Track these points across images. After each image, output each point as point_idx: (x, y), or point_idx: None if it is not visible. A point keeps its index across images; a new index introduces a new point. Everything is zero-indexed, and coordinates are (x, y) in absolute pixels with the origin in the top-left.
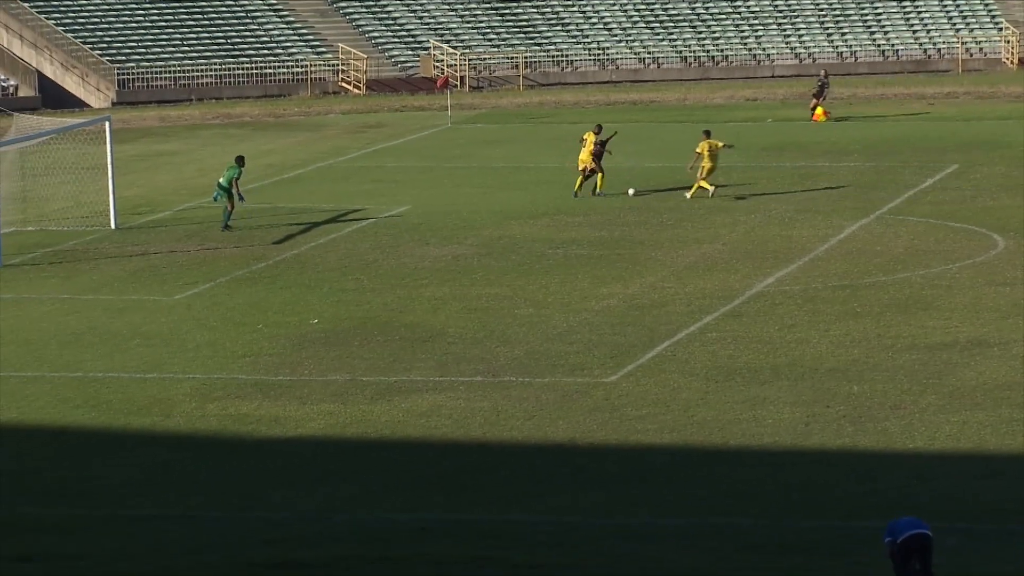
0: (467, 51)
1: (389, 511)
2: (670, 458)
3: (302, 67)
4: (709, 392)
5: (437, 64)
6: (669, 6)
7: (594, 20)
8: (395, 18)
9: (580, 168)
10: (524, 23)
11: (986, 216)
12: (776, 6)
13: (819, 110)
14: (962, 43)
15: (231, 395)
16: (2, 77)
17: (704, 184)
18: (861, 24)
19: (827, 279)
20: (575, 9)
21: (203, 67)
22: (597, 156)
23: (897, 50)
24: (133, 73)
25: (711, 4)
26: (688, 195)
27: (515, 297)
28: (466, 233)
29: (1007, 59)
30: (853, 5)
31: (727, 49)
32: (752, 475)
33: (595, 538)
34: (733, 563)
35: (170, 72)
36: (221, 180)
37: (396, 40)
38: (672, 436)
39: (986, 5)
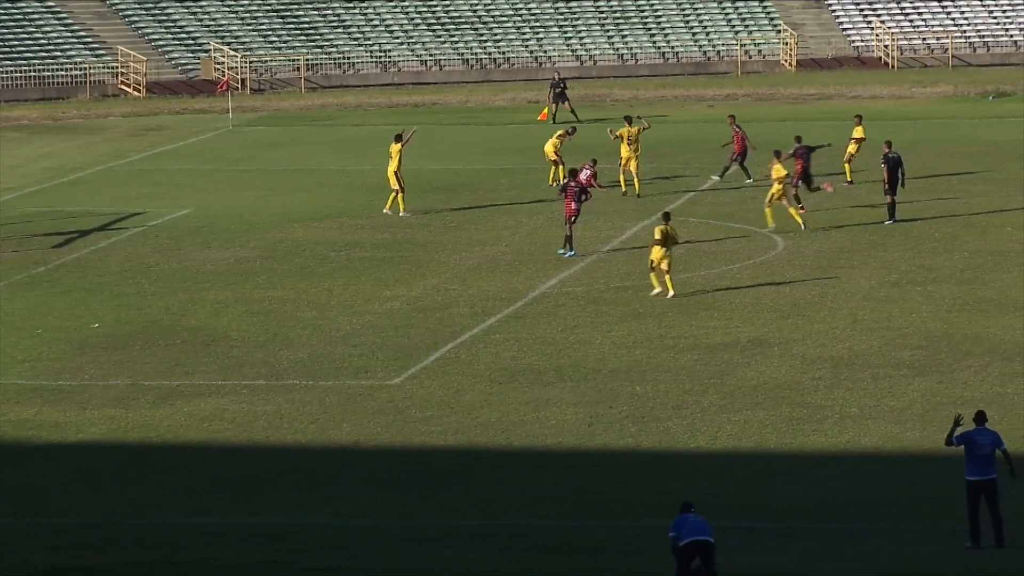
0: (248, 53)
1: (174, 516)
2: (456, 460)
3: (81, 70)
4: (493, 394)
5: (218, 67)
6: (450, 8)
7: (375, 22)
8: (175, 20)
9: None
10: (305, 25)
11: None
12: (557, 8)
13: (546, 110)
14: (741, 45)
15: (10, 400)
16: None
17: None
18: (641, 26)
19: (610, 280)
20: (356, 12)
21: None
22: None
23: (677, 52)
24: None
25: (492, 6)
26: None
27: (298, 300)
28: (248, 236)
29: (785, 61)
30: (633, 7)
31: (508, 51)
32: (538, 476)
33: (383, 540)
34: (522, 564)
35: None
36: None
37: (176, 42)
38: (457, 438)
39: (764, 7)
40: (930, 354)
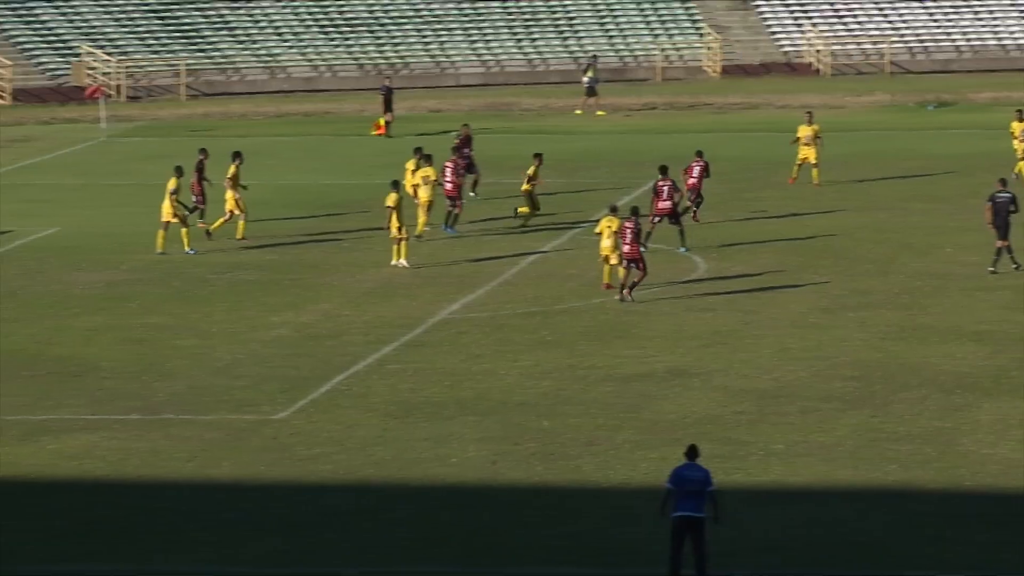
0: (123, 57)
1: (38, 561)
2: (346, 502)
3: None
4: (389, 429)
5: (90, 72)
6: (345, 9)
7: (263, 24)
8: (43, 21)
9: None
10: (186, 27)
11: (687, 236)
12: (462, 10)
13: (380, 120)
14: (661, 50)
15: None
16: None
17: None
18: (553, 29)
19: (516, 305)
20: (242, 13)
21: None
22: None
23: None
24: None
25: (391, 7)
26: None
27: (176, 327)
28: (122, 257)
29: (709, 67)
30: (544, 9)
31: (409, 56)
32: (436, 518)
33: None
34: None
35: None
36: None
37: (44, 45)
38: (348, 477)
39: (687, 9)
40: (863, 385)
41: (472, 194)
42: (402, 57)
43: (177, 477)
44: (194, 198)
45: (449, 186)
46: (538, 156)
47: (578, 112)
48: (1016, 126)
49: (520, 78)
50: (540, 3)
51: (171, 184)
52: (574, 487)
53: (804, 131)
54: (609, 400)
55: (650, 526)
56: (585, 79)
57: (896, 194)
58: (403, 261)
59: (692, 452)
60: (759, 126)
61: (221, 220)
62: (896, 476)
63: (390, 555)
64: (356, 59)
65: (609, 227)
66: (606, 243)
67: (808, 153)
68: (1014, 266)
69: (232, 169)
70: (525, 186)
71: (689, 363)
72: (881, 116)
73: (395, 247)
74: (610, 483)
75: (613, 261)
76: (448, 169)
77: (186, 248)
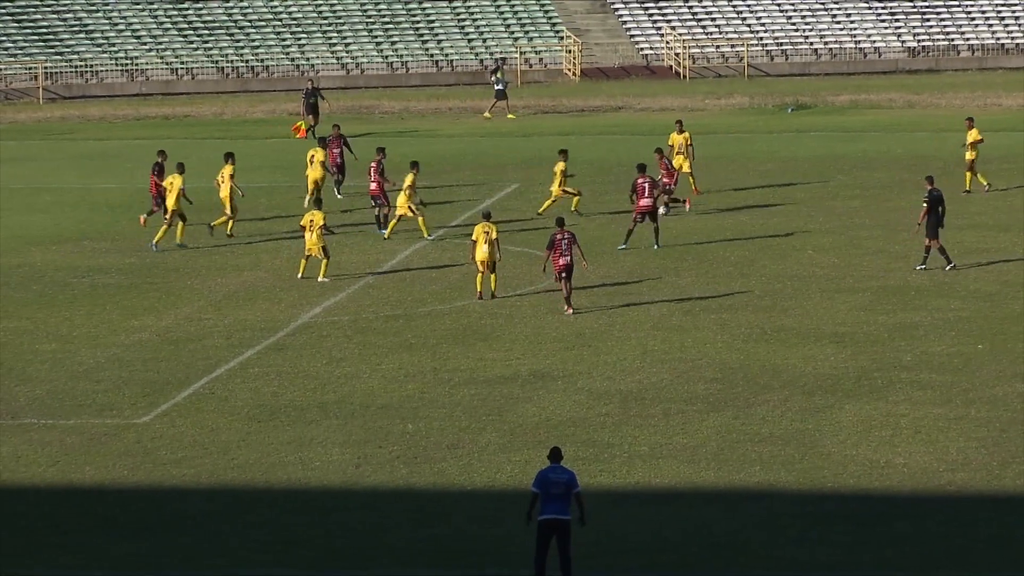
0: None
1: None
2: (209, 504)
3: None
4: (251, 432)
5: None
6: (203, 12)
7: (121, 27)
8: None
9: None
10: (43, 30)
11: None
12: (320, 12)
13: (301, 124)
14: (521, 53)
15: None
16: None
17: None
18: (412, 32)
19: (379, 308)
20: (99, 15)
21: None
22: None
23: (451, 60)
24: None
25: (249, 10)
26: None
27: (36, 331)
28: None
29: (569, 70)
30: (403, 12)
31: (267, 59)
32: (299, 521)
33: None
34: None
35: None
36: None
37: None
38: (211, 480)
39: (546, 12)
40: (725, 387)
41: (339, 196)
42: (261, 60)
43: (39, 482)
44: (153, 200)
45: (373, 186)
46: (415, 164)
47: (487, 115)
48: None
49: (379, 81)
50: (399, 6)
51: (178, 181)
52: (438, 490)
53: (676, 139)
54: (472, 403)
55: (514, 528)
56: (494, 80)
57: (755, 197)
58: (323, 278)
59: (556, 454)
60: (620, 129)
61: (223, 219)
62: (759, 477)
63: (250, 559)
64: (215, 62)
65: (487, 233)
66: (480, 251)
67: (680, 162)
68: (948, 265)
69: (229, 168)
70: (402, 199)
71: (552, 365)
72: (740, 119)
73: (312, 263)
74: (474, 486)
75: (482, 269)
76: (371, 169)
77: (154, 241)
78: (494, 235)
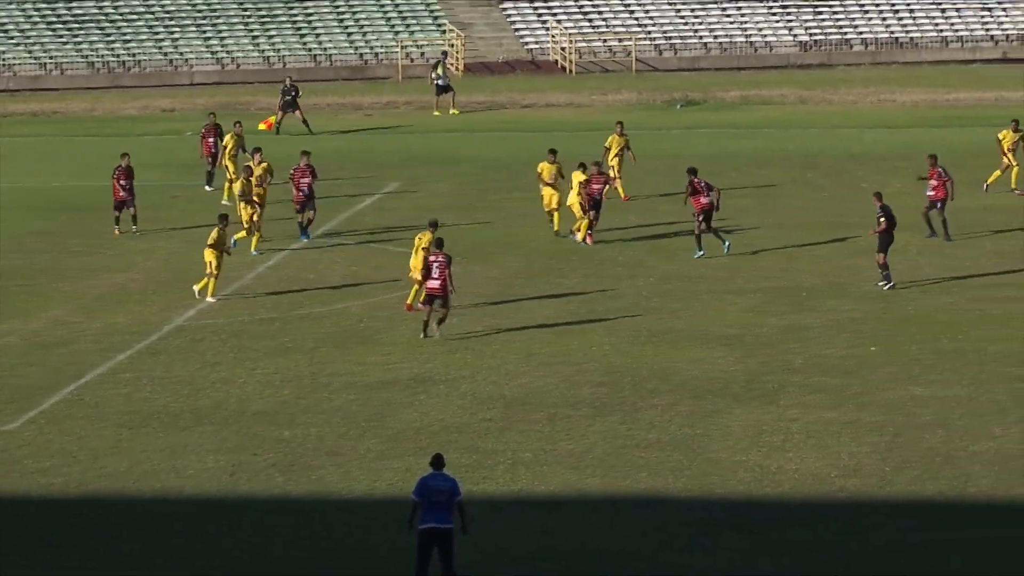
0: None
1: None
2: (78, 514)
3: None
4: (123, 440)
5: None
6: (73, 5)
7: None
8: None
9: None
10: None
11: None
12: (195, 6)
13: (272, 118)
14: (402, 47)
15: None
16: None
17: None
18: (290, 25)
19: (255, 311)
20: None
21: None
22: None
23: (330, 55)
24: None
25: (121, 3)
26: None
27: None
28: None
29: (452, 65)
30: (281, 5)
31: (140, 54)
32: (171, 530)
33: None
34: None
35: None
36: None
37: None
38: (81, 490)
39: (428, 5)
40: (612, 391)
41: (208, 188)
42: (133, 55)
43: None
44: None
45: (301, 191)
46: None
47: (436, 113)
48: (1007, 136)
49: (256, 76)
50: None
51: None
52: (316, 498)
53: (614, 142)
54: (352, 408)
55: (395, 537)
56: (434, 76)
57: (644, 195)
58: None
59: (438, 461)
60: (504, 126)
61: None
62: (646, 484)
63: (122, 568)
64: (85, 57)
65: (420, 243)
66: (416, 260)
67: (615, 163)
68: (884, 283)
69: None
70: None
71: (434, 369)
72: (628, 115)
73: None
74: (353, 494)
75: (418, 277)
76: (296, 174)
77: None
78: (424, 244)
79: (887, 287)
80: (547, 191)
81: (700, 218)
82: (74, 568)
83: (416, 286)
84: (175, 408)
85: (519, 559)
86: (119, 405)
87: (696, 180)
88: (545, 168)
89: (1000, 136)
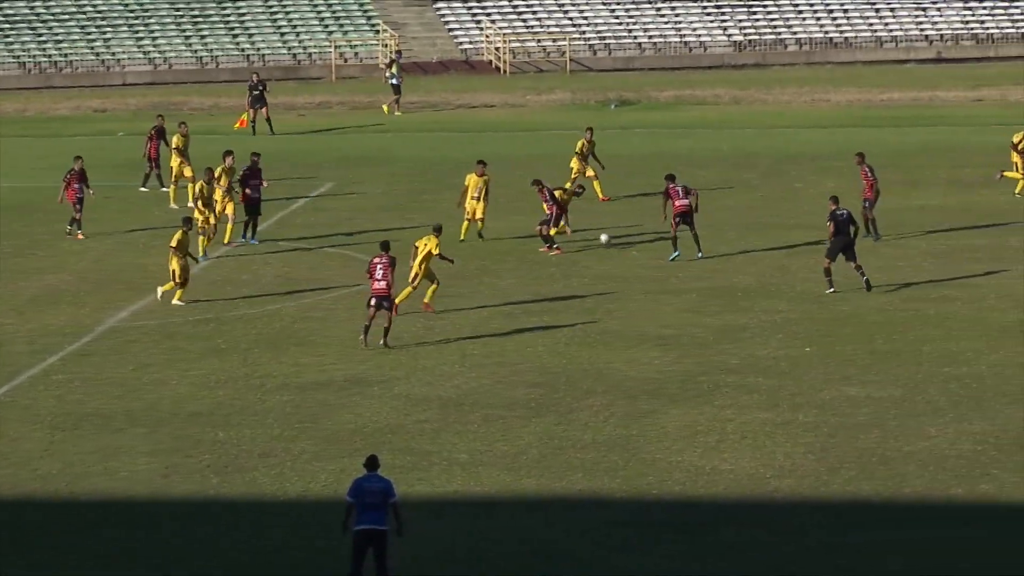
0: None
1: None
2: (10, 517)
3: None
4: (55, 442)
5: None
6: (4, 5)
7: None
8: None
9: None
10: None
11: (365, 240)
12: (127, 6)
13: (244, 116)
14: (335, 47)
15: None
16: None
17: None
18: (223, 25)
19: (188, 313)
20: None
21: None
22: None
23: (264, 55)
24: None
25: (52, 3)
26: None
27: None
28: None
29: (385, 64)
30: (213, 4)
31: (72, 54)
32: (103, 534)
33: None
34: None
35: None
36: None
37: None
38: (13, 492)
39: (361, 5)
40: (547, 392)
41: (143, 189)
42: (65, 55)
43: None
44: (74, 205)
45: (248, 190)
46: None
47: (385, 109)
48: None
49: (189, 76)
50: None
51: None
52: (250, 500)
53: (582, 144)
54: (286, 410)
55: (329, 539)
56: (388, 75)
57: (582, 196)
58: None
59: (372, 463)
60: (438, 126)
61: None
62: (582, 485)
63: (54, 571)
64: (16, 57)
65: (418, 246)
66: (416, 265)
67: (579, 167)
68: (864, 282)
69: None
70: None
71: (368, 370)
72: (562, 115)
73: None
74: (287, 495)
75: (414, 282)
76: (245, 175)
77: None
78: (431, 248)
79: (829, 291)
80: (471, 203)
81: (677, 221)
82: (8, 569)
83: (410, 289)
84: (108, 410)
85: (454, 560)
86: (51, 407)
87: (672, 187)
88: (472, 180)
89: (1015, 139)
